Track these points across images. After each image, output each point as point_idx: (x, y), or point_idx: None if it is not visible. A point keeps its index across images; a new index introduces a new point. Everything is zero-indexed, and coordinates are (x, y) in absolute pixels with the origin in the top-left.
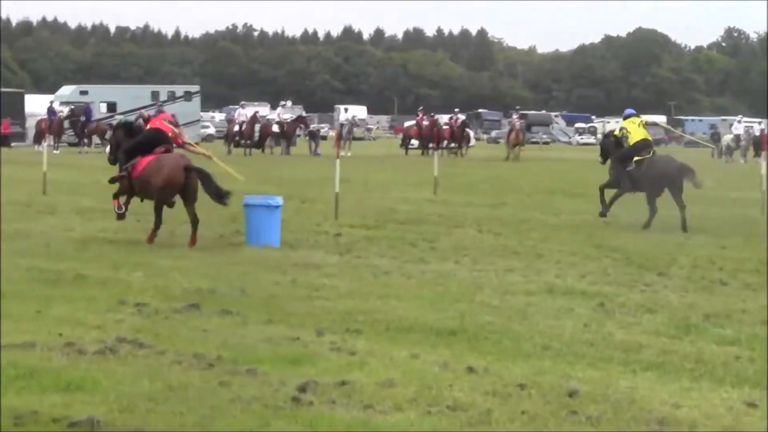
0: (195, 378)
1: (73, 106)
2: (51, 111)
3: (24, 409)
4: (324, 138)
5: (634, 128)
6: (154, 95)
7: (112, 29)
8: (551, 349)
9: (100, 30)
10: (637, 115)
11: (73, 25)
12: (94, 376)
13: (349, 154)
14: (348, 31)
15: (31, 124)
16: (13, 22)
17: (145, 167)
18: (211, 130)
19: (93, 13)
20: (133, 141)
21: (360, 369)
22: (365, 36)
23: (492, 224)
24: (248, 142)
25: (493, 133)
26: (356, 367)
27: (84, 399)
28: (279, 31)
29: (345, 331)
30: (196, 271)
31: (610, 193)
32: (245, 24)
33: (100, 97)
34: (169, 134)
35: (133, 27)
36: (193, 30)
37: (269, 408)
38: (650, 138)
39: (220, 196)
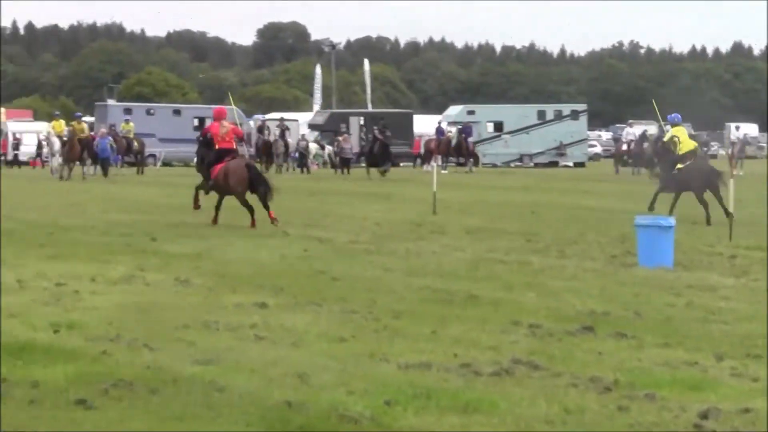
0: (592, 401)
1: (460, 126)
2: (439, 131)
3: (422, 429)
4: (714, 157)
5: (685, 138)
6: (540, 114)
7: (498, 48)
8: None
9: (486, 49)
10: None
11: (459, 44)
12: (491, 397)
13: (741, 174)
14: (738, 47)
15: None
16: (401, 43)
17: (217, 173)
18: (598, 149)
19: (479, 32)
20: (209, 158)
21: (762, 396)
22: (756, 51)
23: None
24: (636, 161)
25: None
26: (758, 393)
27: (481, 420)
28: (666, 48)
29: (745, 356)
30: (589, 293)
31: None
32: (631, 41)
33: (486, 116)
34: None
35: (518, 46)
36: (579, 48)
37: None
38: (697, 148)
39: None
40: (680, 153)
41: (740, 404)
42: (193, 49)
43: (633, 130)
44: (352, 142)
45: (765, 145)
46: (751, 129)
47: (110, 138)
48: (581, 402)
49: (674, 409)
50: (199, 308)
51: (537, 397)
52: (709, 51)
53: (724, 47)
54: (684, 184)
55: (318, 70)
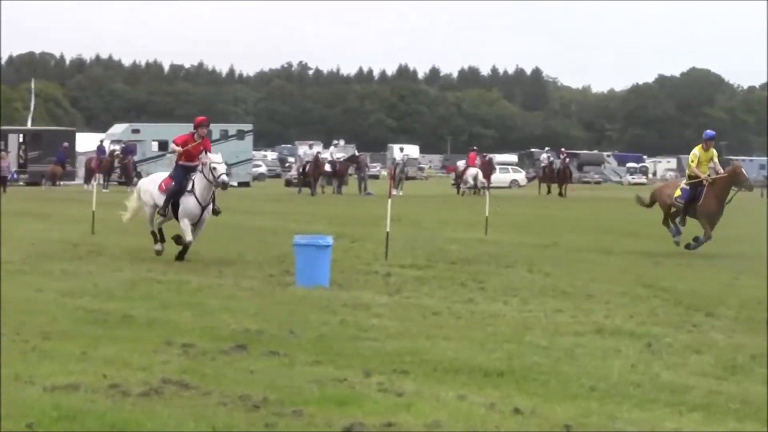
0: (240, 420)
1: (123, 145)
2: (100, 149)
3: None
4: (376, 177)
5: None
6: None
7: (167, 67)
8: (598, 390)
9: (154, 68)
10: None
11: (127, 62)
12: (137, 418)
13: (401, 194)
14: (403, 70)
15: (81, 162)
16: (67, 60)
17: None
18: (263, 169)
19: (148, 50)
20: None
21: (407, 410)
22: (420, 75)
23: (542, 264)
24: (306, 180)
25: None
26: (403, 408)
27: None
28: (334, 70)
29: (392, 371)
30: (245, 312)
31: None
32: (300, 62)
33: (151, 135)
34: None
35: (187, 65)
36: (248, 68)
37: None
38: None
39: None
40: None
41: (384, 418)
42: None
43: (311, 151)
44: (10, 161)
45: (425, 166)
46: (412, 150)
47: None
48: (229, 420)
49: (320, 424)
50: None
51: (185, 416)
52: (376, 73)
53: (390, 70)
54: None
55: None
